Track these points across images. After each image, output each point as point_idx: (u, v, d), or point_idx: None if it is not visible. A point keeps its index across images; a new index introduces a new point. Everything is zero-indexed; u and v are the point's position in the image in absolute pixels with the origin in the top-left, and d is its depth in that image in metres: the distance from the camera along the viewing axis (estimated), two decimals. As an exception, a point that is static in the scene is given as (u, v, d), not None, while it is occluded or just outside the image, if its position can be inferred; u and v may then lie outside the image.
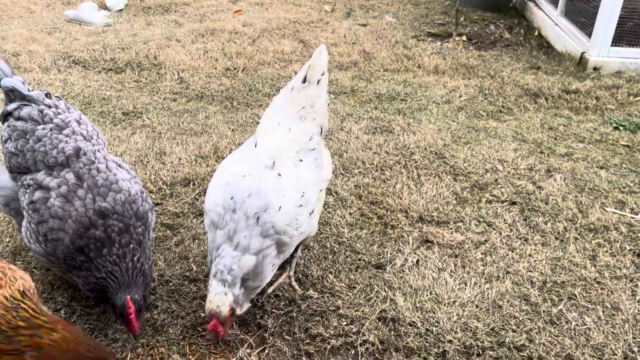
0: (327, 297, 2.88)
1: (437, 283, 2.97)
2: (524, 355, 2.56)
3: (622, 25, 5.83)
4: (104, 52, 6.37)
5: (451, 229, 3.43)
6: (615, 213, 3.59)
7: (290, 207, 2.46)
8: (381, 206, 3.63)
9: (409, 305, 2.81)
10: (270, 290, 2.86)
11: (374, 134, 4.63)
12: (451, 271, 3.07)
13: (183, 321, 2.71)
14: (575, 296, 2.91)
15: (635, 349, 2.59)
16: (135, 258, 2.48)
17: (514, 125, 4.89)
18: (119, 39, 6.87)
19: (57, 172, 2.57)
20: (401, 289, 2.93)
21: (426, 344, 2.61)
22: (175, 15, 8.17)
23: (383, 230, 3.42)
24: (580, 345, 2.61)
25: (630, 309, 2.82)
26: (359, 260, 3.16)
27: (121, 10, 8.31)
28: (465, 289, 2.94)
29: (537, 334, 2.67)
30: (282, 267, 2.91)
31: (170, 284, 2.95)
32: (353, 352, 2.60)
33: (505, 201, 3.71)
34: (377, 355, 2.58)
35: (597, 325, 2.72)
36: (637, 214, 3.59)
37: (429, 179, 3.95)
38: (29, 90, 2.83)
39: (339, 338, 2.64)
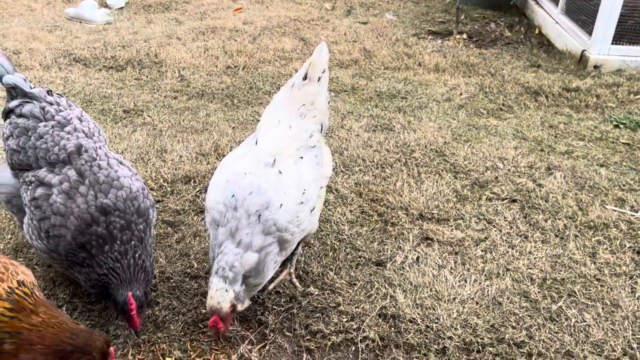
0: (328, 294, 2.89)
1: (437, 280, 2.98)
2: (523, 352, 2.57)
3: (623, 24, 5.83)
4: (104, 50, 6.38)
5: (451, 226, 3.44)
6: (615, 211, 3.60)
7: (291, 204, 2.47)
8: (381, 204, 3.64)
9: (409, 302, 2.82)
10: (271, 287, 2.87)
11: (374, 132, 4.64)
12: (451, 268, 3.08)
13: (184, 318, 2.72)
14: (575, 293, 2.92)
15: (635, 346, 2.60)
16: (137, 255, 2.49)
17: (515, 123, 4.90)
18: (119, 37, 6.88)
19: (59, 169, 2.59)
20: (401, 286, 2.94)
21: (426, 340, 2.62)
22: (175, 13, 8.18)
23: (383, 227, 3.43)
24: (580, 342, 2.62)
25: (629, 306, 2.83)
26: (360, 257, 3.17)
27: (122, 8, 8.32)
28: (465, 286, 2.95)
29: (536, 330, 2.68)
30: (283, 264, 2.91)
31: (172, 280, 2.96)
32: (353, 348, 2.61)
33: (506, 199, 3.72)
34: (377, 351, 2.59)
35: (596, 322, 2.73)
36: (637, 212, 3.60)
37: (429, 176, 3.96)
38: (30, 88, 2.84)
39: (340, 334, 2.65)
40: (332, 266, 3.08)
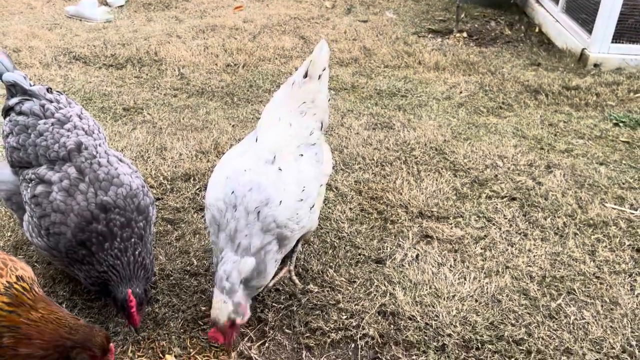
0: (327, 291, 2.89)
1: (436, 277, 2.99)
2: (522, 349, 2.57)
3: (623, 22, 5.84)
4: (104, 48, 6.38)
5: (451, 224, 3.44)
6: (615, 209, 3.60)
7: (291, 201, 2.47)
8: (381, 201, 3.64)
9: (409, 300, 2.83)
10: (270, 284, 2.88)
11: (374, 130, 4.64)
12: (451, 266, 3.09)
13: (184, 315, 2.73)
14: (574, 291, 2.92)
15: (634, 343, 2.60)
16: (137, 252, 2.49)
17: (514, 121, 4.90)
18: (119, 35, 6.88)
19: (59, 166, 2.59)
20: (401, 284, 2.94)
21: (425, 337, 2.63)
22: (175, 11, 8.17)
23: (383, 225, 3.43)
24: (579, 339, 2.63)
25: (628, 303, 2.84)
26: (359, 254, 3.17)
27: (122, 6, 8.32)
28: (464, 283, 2.95)
29: (536, 328, 2.69)
30: (283, 262, 2.92)
31: (171, 278, 2.96)
32: (353, 345, 2.61)
33: (505, 197, 3.72)
34: (376, 348, 2.60)
35: (595, 320, 2.74)
36: (636, 210, 3.60)
37: (429, 174, 3.96)
38: (30, 85, 2.84)
39: (339, 332, 2.66)
40: (331, 264, 3.09)
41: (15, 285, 2.00)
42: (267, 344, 2.60)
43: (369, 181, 3.87)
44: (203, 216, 3.39)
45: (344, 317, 2.73)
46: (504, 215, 3.52)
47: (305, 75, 2.68)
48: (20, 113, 2.76)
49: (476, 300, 2.84)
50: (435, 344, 2.60)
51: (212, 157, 4.10)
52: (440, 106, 5.18)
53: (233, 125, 4.66)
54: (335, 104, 5.12)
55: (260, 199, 2.41)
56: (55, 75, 5.64)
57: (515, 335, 2.63)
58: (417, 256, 3.16)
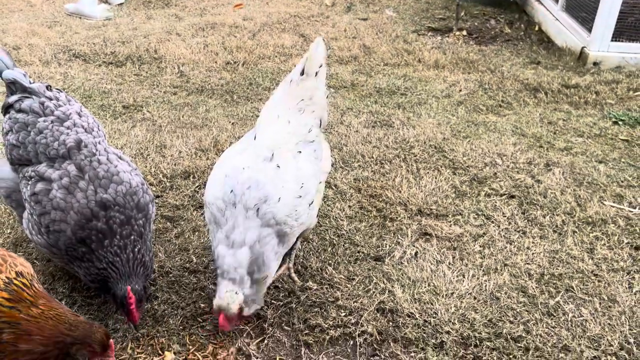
0: (326, 288, 2.90)
1: (435, 275, 3.00)
2: (520, 346, 2.58)
3: (623, 20, 5.84)
4: (104, 46, 6.38)
5: (450, 221, 3.45)
6: (613, 207, 3.61)
7: (290, 198, 2.48)
8: (380, 199, 3.65)
9: (407, 297, 2.84)
10: (269, 281, 2.88)
11: (373, 128, 4.64)
12: (449, 263, 3.09)
13: (183, 312, 2.74)
14: (573, 288, 2.93)
15: (631, 340, 2.61)
16: (136, 249, 2.50)
17: (514, 119, 4.90)
18: (119, 33, 6.88)
19: (59, 164, 2.59)
20: (399, 281, 2.95)
21: (424, 334, 2.64)
22: (175, 9, 8.17)
23: (382, 223, 3.44)
24: (577, 337, 2.64)
25: (626, 301, 2.84)
26: (358, 252, 3.18)
27: (121, 4, 8.31)
28: (463, 281, 2.96)
29: (534, 325, 2.69)
30: (282, 259, 2.92)
31: (171, 275, 2.97)
32: (351, 342, 2.62)
33: (504, 195, 3.73)
34: (375, 345, 2.60)
35: (593, 317, 2.75)
36: (635, 208, 3.61)
37: (428, 172, 3.97)
38: (30, 83, 2.85)
39: (338, 329, 2.66)
40: (330, 261, 3.09)
41: (15, 281, 2.01)
42: (266, 341, 2.61)
43: (368, 179, 3.87)
44: (202, 214, 3.40)
45: (343, 314, 2.74)
46: (503, 213, 3.53)
47: (302, 73, 2.69)
48: (20, 111, 2.76)
49: (475, 298, 2.85)
50: (433, 341, 2.60)
51: (211, 155, 4.10)
52: (439, 104, 5.19)
53: (232, 123, 4.67)
54: (334, 102, 5.12)
55: (259, 196, 2.42)
56: (55, 72, 5.64)
57: (514, 333, 2.64)
58: (416, 254, 3.17)
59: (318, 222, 3.28)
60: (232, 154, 2.69)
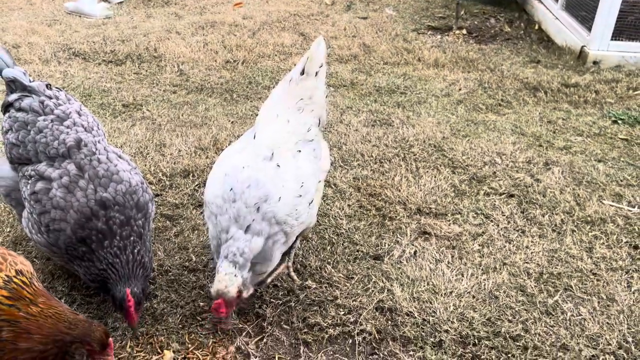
0: (325, 287, 2.90)
1: (434, 274, 3.00)
2: (519, 345, 2.59)
3: (623, 19, 5.83)
4: (104, 44, 6.38)
5: (449, 220, 3.45)
6: (613, 206, 3.61)
7: (290, 197, 2.48)
8: (379, 198, 3.65)
9: (406, 296, 2.84)
10: (269, 280, 2.89)
11: (373, 127, 4.64)
12: (448, 262, 3.10)
13: (182, 310, 2.74)
14: (571, 287, 2.94)
15: (630, 339, 2.62)
16: (136, 250, 2.50)
17: (513, 118, 4.90)
18: (119, 31, 6.87)
19: (59, 163, 2.59)
20: (398, 280, 2.96)
21: (423, 333, 2.64)
22: (175, 7, 8.17)
23: (381, 222, 3.44)
24: (576, 336, 2.64)
25: (625, 300, 2.85)
26: (357, 251, 3.18)
27: (121, 2, 8.31)
28: (462, 279, 2.97)
29: (532, 324, 2.70)
30: (281, 258, 2.93)
31: (170, 273, 2.97)
32: (350, 341, 2.63)
33: (503, 194, 3.73)
34: (374, 344, 2.61)
35: (592, 316, 2.75)
36: (634, 207, 3.61)
37: (427, 171, 3.97)
38: (29, 81, 2.85)
39: (337, 327, 2.67)
40: (329, 260, 3.10)
41: (15, 279, 2.01)
42: (265, 340, 2.62)
43: (367, 178, 3.88)
44: (202, 212, 3.40)
45: (342, 313, 2.75)
46: (502, 212, 3.53)
47: (303, 72, 2.69)
48: (19, 109, 2.77)
49: (473, 297, 2.86)
50: (432, 339, 2.61)
51: (211, 154, 4.11)
52: (439, 103, 5.19)
53: (232, 122, 4.67)
54: (334, 101, 5.12)
55: (259, 195, 2.42)
56: (55, 71, 5.64)
57: (512, 332, 2.65)
58: (415, 252, 3.17)
59: (317, 221, 3.28)
60: (232, 152, 2.70)
